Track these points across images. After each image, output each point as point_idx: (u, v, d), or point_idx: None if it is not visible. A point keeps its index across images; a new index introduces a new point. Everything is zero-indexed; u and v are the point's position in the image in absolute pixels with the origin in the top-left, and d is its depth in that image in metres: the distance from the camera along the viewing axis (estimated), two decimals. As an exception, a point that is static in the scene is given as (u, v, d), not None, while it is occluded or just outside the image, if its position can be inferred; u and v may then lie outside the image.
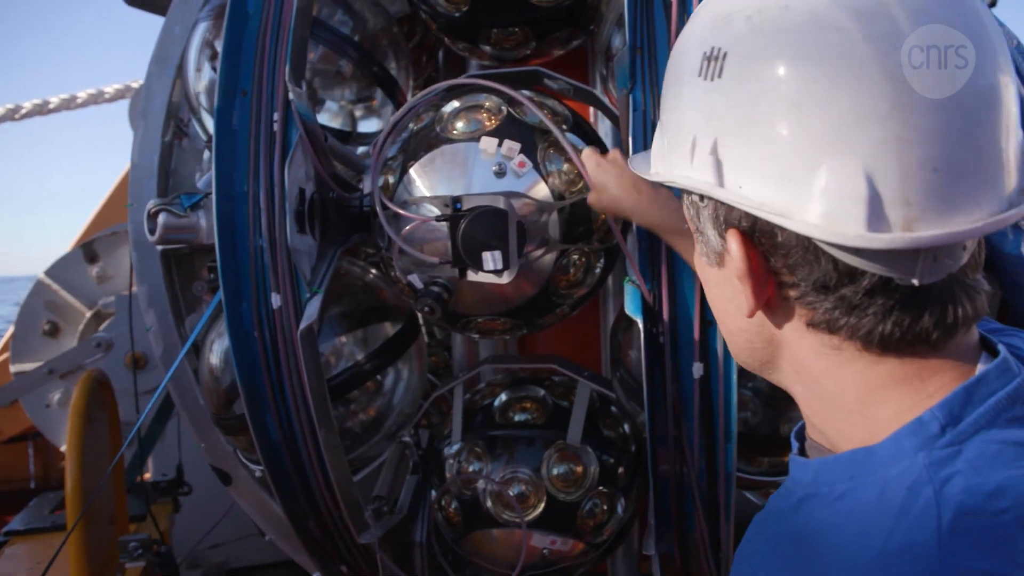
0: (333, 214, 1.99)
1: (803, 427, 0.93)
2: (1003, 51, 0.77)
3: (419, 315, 2.29)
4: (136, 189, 2.18)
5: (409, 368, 2.26)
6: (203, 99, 2.20)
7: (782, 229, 0.76)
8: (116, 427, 2.74)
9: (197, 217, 2.02)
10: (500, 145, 1.80)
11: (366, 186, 2.10)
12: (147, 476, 3.72)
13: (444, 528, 2.21)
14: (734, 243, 0.80)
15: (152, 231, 2.00)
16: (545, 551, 2.10)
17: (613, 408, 2.26)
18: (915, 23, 0.71)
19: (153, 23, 2.48)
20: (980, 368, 0.77)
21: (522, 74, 2.12)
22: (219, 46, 2.16)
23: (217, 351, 2.21)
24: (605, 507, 2.14)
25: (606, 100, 2.07)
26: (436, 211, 1.80)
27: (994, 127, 0.73)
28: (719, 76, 0.78)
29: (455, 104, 1.96)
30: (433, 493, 2.24)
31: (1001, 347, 0.80)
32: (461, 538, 2.19)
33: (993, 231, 0.71)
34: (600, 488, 2.11)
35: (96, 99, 3.92)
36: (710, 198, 0.83)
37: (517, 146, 1.80)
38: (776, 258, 0.79)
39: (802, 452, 0.92)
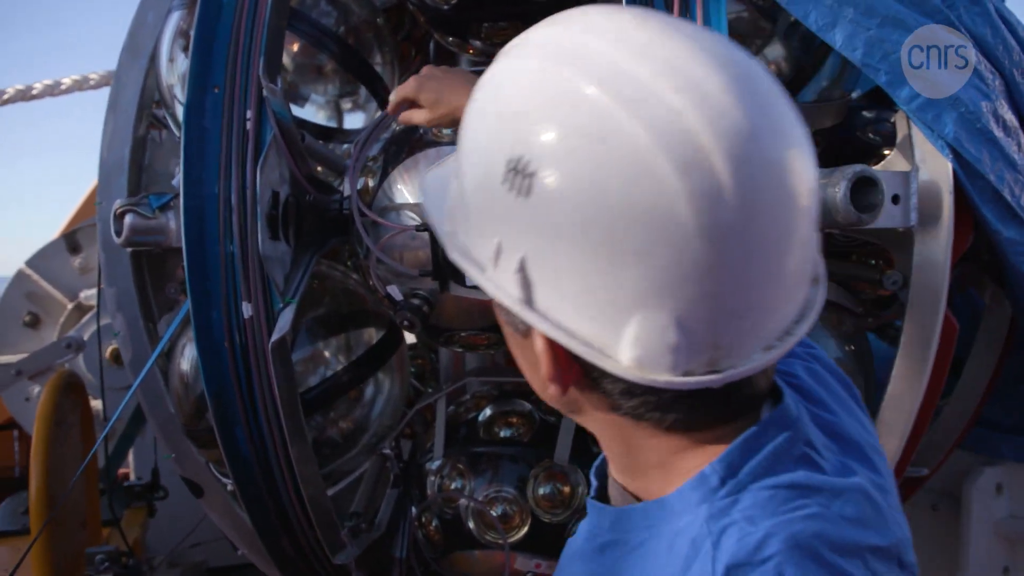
0: (310, 218, 1.87)
1: (604, 462, 0.95)
2: (814, 178, 0.76)
3: (402, 323, 2.18)
4: (105, 186, 2.07)
5: (391, 379, 2.16)
6: (177, 91, 2.09)
7: None
8: (89, 429, 2.64)
9: (167, 219, 1.91)
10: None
11: (345, 188, 1.99)
12: (125, 472, 3.65)
13: (425, 547, 2.12)
14: (540, 345, 0.78)
15: (118, 232, 1.89)
16: (530, 574, 2.01)
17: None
18: (736, 160, 0.68)
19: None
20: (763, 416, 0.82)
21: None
22: (186, 41, 2.06)
23: (188, 357, 2.10)
24: (593, 529, 2.04)
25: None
26: (417, 219, 1.69)
27: (791, 256, 0.74)
28: (527, 194, 0.72)
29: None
30: (414, 509, 2.15)
31: (785, 392, 0.84)
32: (442, 557, 2.10)
33: (788, 351, 0.76)
34: (588, 509, 2.01)
35: (81, 85, 3.80)
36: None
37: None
38: (584, 364, 0.78)
39: (602, 488, 0.95)
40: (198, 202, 1.78)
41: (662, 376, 0.73)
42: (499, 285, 0.78)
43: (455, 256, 0.84)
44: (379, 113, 1.97)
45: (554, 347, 0.77)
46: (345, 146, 2.17)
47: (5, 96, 3.77)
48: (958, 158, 1.67)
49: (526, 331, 0.81)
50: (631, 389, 0.77)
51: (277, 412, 1.82)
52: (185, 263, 1.77)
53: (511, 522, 1.99)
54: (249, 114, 1.77)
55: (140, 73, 2.09)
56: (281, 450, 1.85)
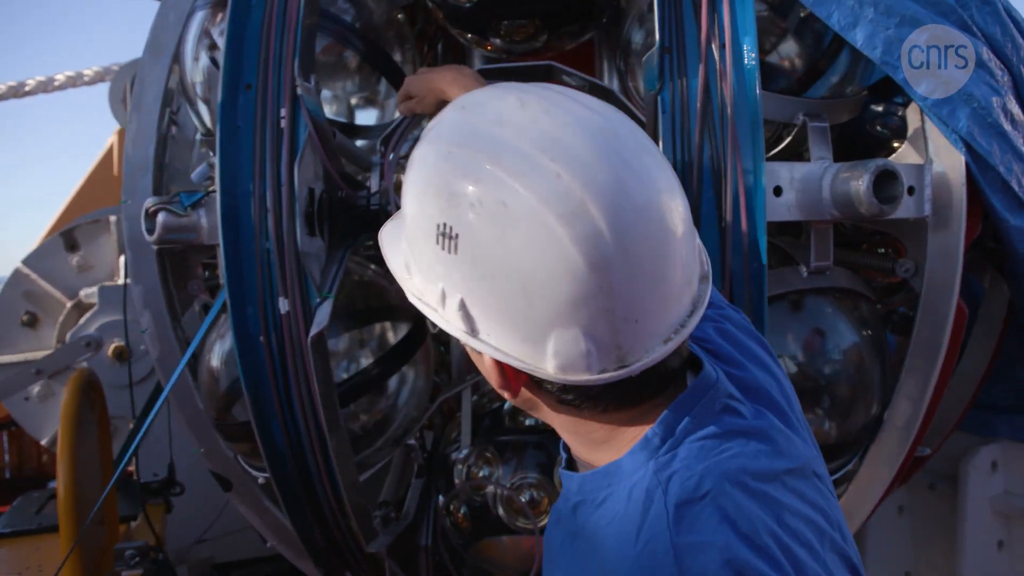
0: (341, 214, 1.91)
1: None
2: (683, 207, 0.95)
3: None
4: (130, 184, 2.08)
5: (415, 371, 2.20)
6: (200, 89, 2.11)
7: None
8: (106, 427, 2.65)
9: (197, 216, 1.93)
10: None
11: (373, 184, 2.03)
12: (129, 470, 3.64)
13: (452, 534, 2.17)
14: (488, 362, 0.98)
15: (150, 231, 1.90)
16: (557, 558, 2.06)
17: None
18: (608, 207, 0.87)
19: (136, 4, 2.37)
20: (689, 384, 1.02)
21: (535, 68, 2.06)
22: (216, 35, 2.08)
23: (217, 353, 2.13)
24: (616, 512, 2.10)
25: (622, 97, 2.01)
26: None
27: (672, 268, 0.92)
28: (455, 252, 0.92)
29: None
30: (441, 498, 2.19)
31: (704, 359, 1.04)
32: (470, 544, 2.15)
33: (683, 342, 0.95)
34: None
35: (75, 82, 3.77)
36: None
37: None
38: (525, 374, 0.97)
39: (570, 460, 1.14)
40: (233, 200, 1.80)
41: (582, 376, 0.92)
42: (448, 320, 0.96)
43: (412, 299, 1.03)
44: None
45: (499, 363, 0.96)
46: (359, 142, 2.20)
47: (-3, 93, 3.74)
48: (970, 151, 1.75)
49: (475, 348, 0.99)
50: (565, 388, 0.96)
51: (313, 405, 1.85)
52: (222, 260, 1.80)
53: (539, 507, 2.05)
54: (283, 112, 1.79)
55: (163, 72, 2.10)
56: (317, 442, 1.89)
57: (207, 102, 2.09)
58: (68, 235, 3.86)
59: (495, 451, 2.11)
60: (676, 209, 0.93)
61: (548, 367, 0.92)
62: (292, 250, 1.78)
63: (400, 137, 1.88)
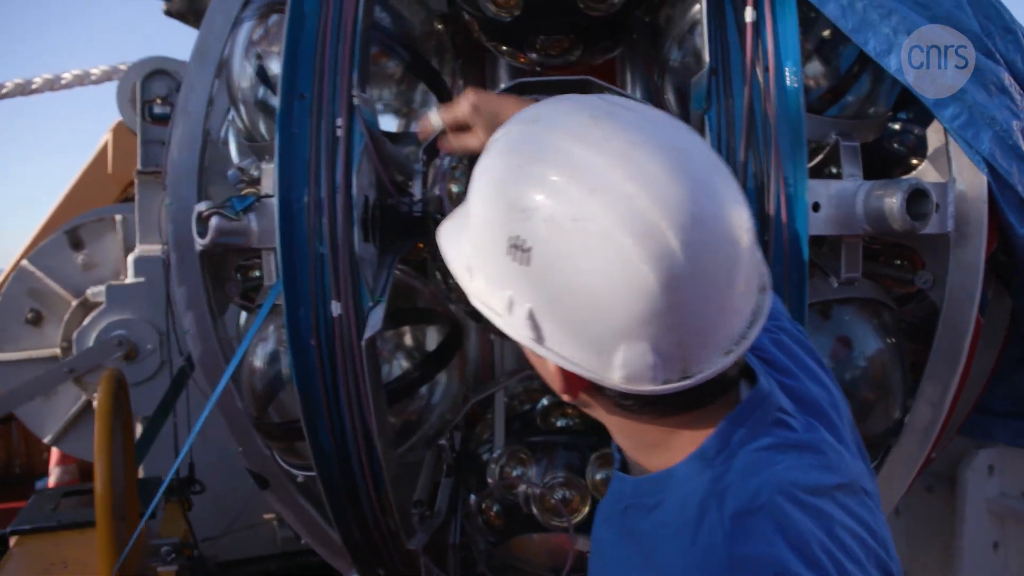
0: (391, 220, 1.97)
1: None
2: (749, 219, 0.98)
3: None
4: (175, 188, 2.12)
5: (448, 373, 2.27)
6: (247, 95, 2.15)
7: None
8: (130, 426, 2.68)
9: (248, 221, 1.98)
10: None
11: (416, 191, 2.09)
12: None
13: (484, 532, 2.23)
14: (551, 367, 1.00)
15: (202, 234, 1.95)
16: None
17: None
18: (681, 228, 0.89)
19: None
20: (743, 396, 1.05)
21: (572, 83, 2.13)
22: (263, 46, 2.13)
23: (260, 354, 2.18)
24: (644, 511, 2.19)
25: (658, 112, 2.09)
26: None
27: (736, 280, 0.95)
28: (527, 264, 0.94)
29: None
30: (472, 497, 2.26)
31: (758, 371, 1.07)
32: (501, 542, 2.22)
33: (744, 353, 0.98)
34: (640, 493, 2.16)
35: (82, 80, 3.77)
36: None
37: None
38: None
39: (623, 460, 1.17)
40: (289, 205, 1.86)
41: (646, 387, 0.95)
42: (514, 328, 0.99)
43: (475, 302, 1.05)
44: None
45: (563, 369, 0.99)
46: (404, 148, 2.25)
47: (3, 90, 3.73)
48: (992, 171, 1.86)
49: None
50: (625, 394, 0.99)
51: (360, 406, 1.91)
52: (280, 264, 1.85)
53: (571, 505, 2.12)
54: (339, 121, 1.85)
55: (209, 78, 2.14)
56: (363, 441, 1.95)
57: (254, 108, 2.14)
58: (73, 233, 3.86)
59: (529, 451, 2.18)
60: (743, 223, 0.96)
61: (614, 377, 0.95)
62: (346, 255, 1.84)
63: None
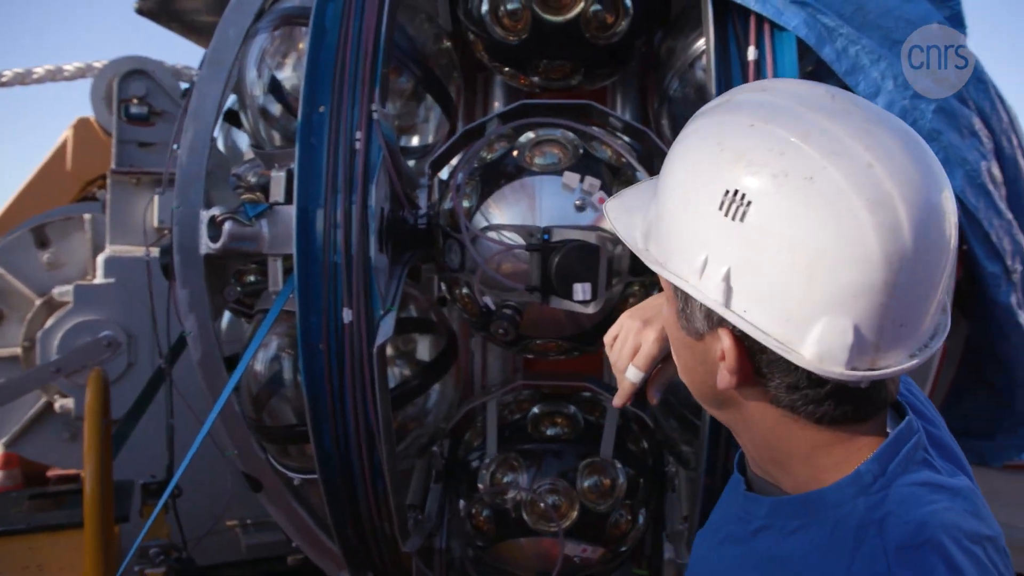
0: (402, 232, 2.04)
1: (742, 457, 1.12)
2: (956, 216, 0.94)
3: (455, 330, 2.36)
4: (184, 192, 2.15)
5: (444, 381, 2.33)
6: (258, 104, 2.20)
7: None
8: (109, 429, 2.66)
9: (260, 226, 2.02)
10: (582, 180, 1.91)
11: (422, 204, 2.16)
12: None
13: (474, 537, 2.30)
14: (728, 341, 0.94)
15: (215, 238, 1.99)
16: (576, 559, 2.23)
17: (634, 425, 2.41)
18: (912, 207, 0.86)
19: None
20: (892, 427, 0.99)
21: (575, 107, 2.23)
22: (277, 58, 2.18)
23: (261, 359, 2.21)
24: (629, 517, 2.28)
25: (656, 139, 2.20)
26: (518, 239, 1.89)
27: (940, 284, 0.92)
28: (741, 220, 0.89)
29: (530, 135, 2.05)
30: (461, 502, 2.32)
31: (906, 406, 1.02)
32: (490, 546, 2.28)
33: (925, 360, 0.94)
34: (626, 500, 2.25)
35: (55, 76, 3.71)
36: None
37: (598, 182, 1.92)
38: (760, 361, 0.94)
39: (748, 481, 1.11)
40: (306, 214, 1.91)
41: (836, 369, 0.88)
42: (701, 291, 0.94)
43: (655, 267, 1.01)
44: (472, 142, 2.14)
45: (739, 345, 0.93)
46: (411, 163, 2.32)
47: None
48: (962, 206, 2.02)
49: (702, 335, 0.98)
50: (796, 384, 0.93)
51: (365, 411, 1.97)
52: (296, 271, 1.90)
53: (560, 511, 2.21)
54: (359, 135, 1.91)
55: (220, 85, 2.18)
56: (366, 445, 2.00)
57: (265, 118, 2.18)
58: (39, 231, 3.78)
59: (520, 458, 2.26)
60: (955, 219, 0.93)
61: (806, 352, 0.89)
62: (360, 264, 1.90)
63: (464, 164, 2.02)
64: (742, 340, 0.94)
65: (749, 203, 0.89)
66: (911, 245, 0.86)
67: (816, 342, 0.88)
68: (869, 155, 0.87)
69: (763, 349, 0.92)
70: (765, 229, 0.88)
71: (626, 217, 1.13)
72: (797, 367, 0.91)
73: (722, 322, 0.94)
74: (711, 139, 0.96)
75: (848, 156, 0.87)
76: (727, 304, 0.92)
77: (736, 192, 0.90)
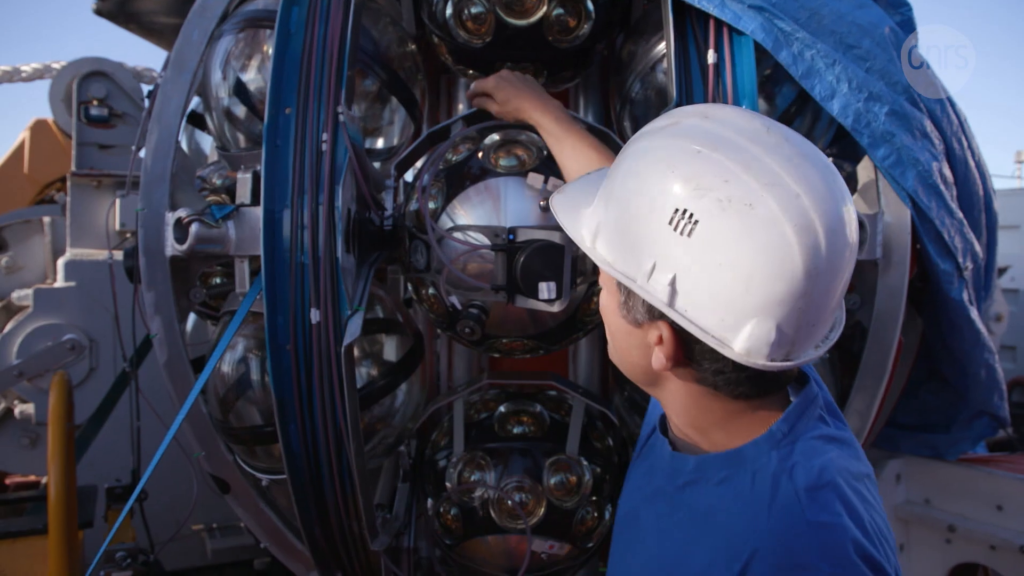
0: (368, 233, 2.05)
1: (663, 421, 1.36)
2: (856, 222, 1.13)
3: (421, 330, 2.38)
4: (148, 194, 2.13)
5: (410, 382, 2.35)
6: (222, 106, 2.19)
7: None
8: (72, 434, 2.63)
9: (227, 228, 2.02)
10: (546, 181, 1.94)
11: (388, 205, 2.17)
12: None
13: (441, 535, 2.31)
14: (667, 332, 1.14)
15: (181, 240, 1.98)
16: (543, 555, 2.25)
17: (599, 423, 2.44)
18: (827, 231, 1.05)
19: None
20: (794, 394, 1.24)
21: (539, 109, 2.26)
22: (242, 61, 2.18)
23: (228, 361, 2.21)
24: (596, 514, 2.32)
25: (617, 138, 2.24)
26: (483, 239, 1.91)
27: (842, 287, 1.11)
28: (688, 236, 1.07)
29: (495, 137, 2.07)
30: (429, 501, 2.34)
31: (811, 374, 1.29)
32: (458, 544, 2.30)
33: (826, 351, 1.15)
34: (592, 497, 2.28)
35: (11, 77, 3.66)
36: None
37: (561, 183, 1.94)
38: (692, 349, 1.14)
39: (671, 443, 1.32)
40: (272, 215, 1.91)
41: (759, 361, 1.08)
42: (648, 291, 1.12)
43: (603, 265, 1.19)
44: (436, 143, 2.15)
45: (676, 335, 1.13)
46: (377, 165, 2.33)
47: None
48: (915, 205, 2.09)
49: (640, 324, 1.18)
50: (721, 369, 1.14)
51: (334, 410, 1.98)
52: (263, 272, 1.90)
53: (527, 508, 2.23)
54: (325, 136, 1.92)
55: (184, 87, 2.17)
56: (334, 445, 2.01)
57: (229, 120, 2.18)
58: (-4, 235, 3.74)
59: (486, 457, 2.28)
60: (855, 231, 1.12)
61: (736, 347, 1.08)
62: (327, 265, 1.91)
63: (429, 165, 2.04)
64: (678, 332, 1.13)
65: (696, 222, 1.06)
66: (825, 260, 1.05)
67: (746, 339, 1.07)
68: (797, 187, 1.05)
69: (697, 340, 1.11)
70: (710, 245, 1.06)
71: (573, 214, 1.30)
72: (725, 357, 1.10)
73: (662, 316, 1.13)
74: (662, 162, 1.12)
75: (781, 187, 1.04)
76: (671, 304, 1.10)
77: (685, 211, 1.07)
